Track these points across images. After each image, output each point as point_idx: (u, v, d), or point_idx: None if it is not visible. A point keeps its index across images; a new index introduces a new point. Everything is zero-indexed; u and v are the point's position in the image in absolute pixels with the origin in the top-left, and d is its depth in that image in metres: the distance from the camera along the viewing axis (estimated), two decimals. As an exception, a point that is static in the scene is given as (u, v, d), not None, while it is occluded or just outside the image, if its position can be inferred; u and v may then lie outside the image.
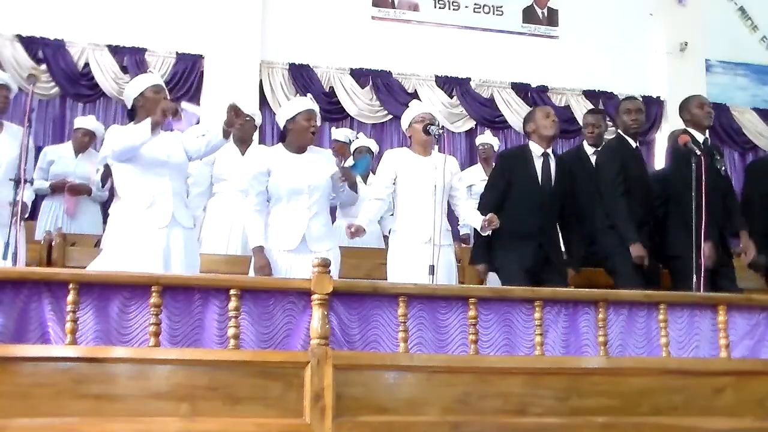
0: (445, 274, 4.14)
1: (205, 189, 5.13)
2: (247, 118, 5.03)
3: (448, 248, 4.29)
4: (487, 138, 7.06)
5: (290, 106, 4.16)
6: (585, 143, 5.55)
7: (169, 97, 4.05)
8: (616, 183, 4.56)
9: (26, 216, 4.22)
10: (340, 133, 6.82)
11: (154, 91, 3.91)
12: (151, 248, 3.67)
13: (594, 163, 5.09)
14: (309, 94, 4.29)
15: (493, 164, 4.86)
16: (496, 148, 6.86)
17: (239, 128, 4.91)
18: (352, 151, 6.34)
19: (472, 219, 4.38)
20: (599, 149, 5.17)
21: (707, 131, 4.84)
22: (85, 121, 6.20)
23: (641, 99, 7.66)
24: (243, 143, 5.20)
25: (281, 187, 3.96)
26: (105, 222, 5.03)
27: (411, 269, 4.05)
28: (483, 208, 4.40)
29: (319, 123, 4.16)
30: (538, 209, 4.42)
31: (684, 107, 4.84)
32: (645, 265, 4.43)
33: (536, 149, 4.50)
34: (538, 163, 4.47)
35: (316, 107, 4.13)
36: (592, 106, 8.64)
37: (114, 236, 3.79)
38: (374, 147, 6.52)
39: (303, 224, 3.94)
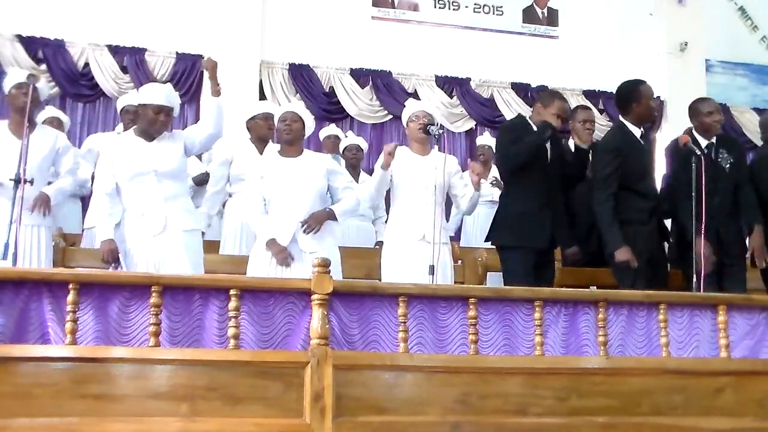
0: (440, 274, 4.13)
1: (221, 188, 5.15)
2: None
3: (445, 247, 4.28)
4: (486, 140, 7.00)
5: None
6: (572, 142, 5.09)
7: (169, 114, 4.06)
8: (607, 182, 4.29)
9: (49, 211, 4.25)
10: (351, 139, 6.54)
11: (154, 111, 3.94)
12: (144, 258, 3.79)
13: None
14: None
15: (500, 134, 4.69)
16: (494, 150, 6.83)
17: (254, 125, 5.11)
18: (342, 150, 6.33)
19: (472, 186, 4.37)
20: (600, 140, 4.90)
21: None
22: (127, 98, 5.80)
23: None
24: (261, 142, 5.18)
25: (272, 193, 4.04)
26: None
27: (405, 267, 4.07)
28: (517, 156, 4.34)
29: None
30: (546, 182, 4.42)
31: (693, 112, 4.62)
32: (635, 266, 4.17)
33: None
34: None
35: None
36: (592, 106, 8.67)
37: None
38: (364, 145, 6.49)
39: (293, 226, 3.98)
